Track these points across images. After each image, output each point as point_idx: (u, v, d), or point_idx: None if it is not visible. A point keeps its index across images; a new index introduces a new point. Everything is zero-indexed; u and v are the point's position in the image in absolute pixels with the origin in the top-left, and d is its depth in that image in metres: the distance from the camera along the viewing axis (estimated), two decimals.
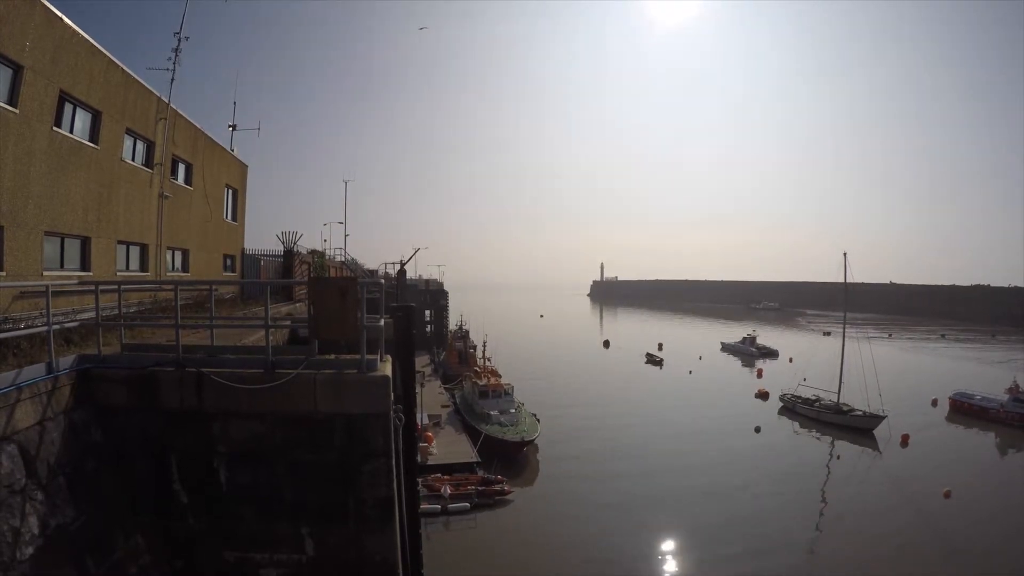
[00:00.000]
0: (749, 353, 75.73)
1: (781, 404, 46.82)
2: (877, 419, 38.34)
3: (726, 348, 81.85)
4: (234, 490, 7.40)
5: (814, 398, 43.92)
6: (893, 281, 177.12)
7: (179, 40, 18.17)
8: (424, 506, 20.72)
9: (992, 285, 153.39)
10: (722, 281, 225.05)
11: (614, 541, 23.77)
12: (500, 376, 42.03)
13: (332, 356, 7.91)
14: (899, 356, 77.32)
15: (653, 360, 70.97)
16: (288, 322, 13.52)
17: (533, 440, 33.62)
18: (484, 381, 39.41)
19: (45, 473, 6.27)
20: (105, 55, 13.65)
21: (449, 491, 26.06)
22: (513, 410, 36.87)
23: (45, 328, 7.06)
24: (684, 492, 29.05)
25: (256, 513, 7.41)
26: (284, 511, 7.39)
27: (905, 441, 36.52)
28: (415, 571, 9.73)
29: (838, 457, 34.50)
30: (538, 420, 36.92)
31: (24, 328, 7.86)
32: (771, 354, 74.71)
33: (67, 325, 8.48)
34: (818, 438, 38.91)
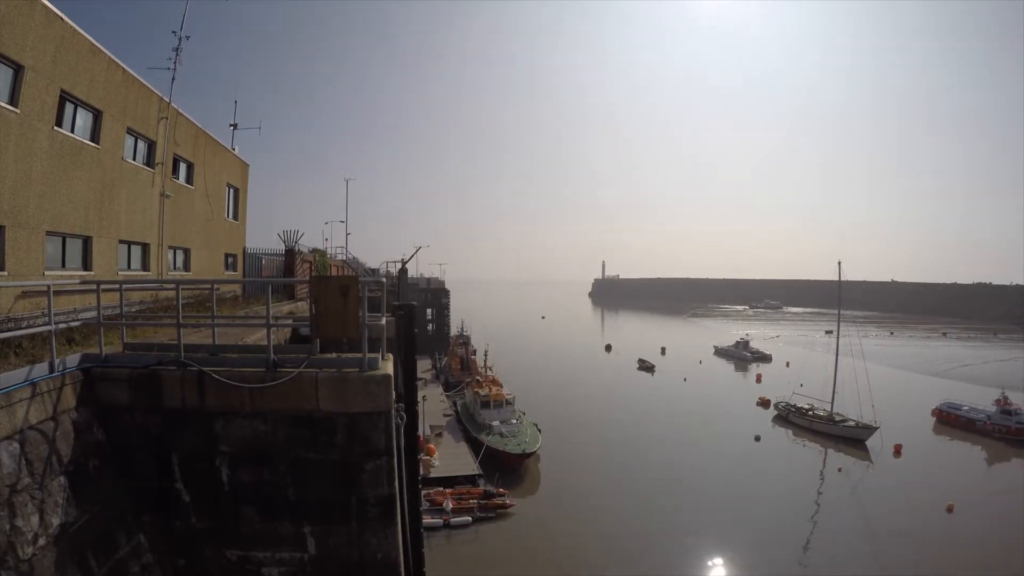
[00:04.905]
0: (742, 357, 75.70)
1: (776, 412, 46.71)
2: (869, 430, 38.25)
3: (720, 352, 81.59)
4: (236, 489, 7.41)
5: (807, 407, 43.71)
6: (895, 279, 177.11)
7: (180, 39, 18.16)
8: (426, 520, 20.68)
9: (993, 283, 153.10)
10: (725, 279, 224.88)
11: (615, 552, 23.80)
12: (501, 385, 42.05)
13: (334, 355, 7.90)
14: (899, 357, 77.23)
15: (645, 366, 70.79)
16: (290, 321, 13.51)
17: (535, 452, 33.60)
18: (486, 391, 39.42)
19: (47, 472, 6.28)
20: (106, 54, 13.64)
21: (451, 505, 26.05)
22: (515, 420, 36.87)
23: (47, 327, 7.06)
24: (685, 503, 29.05)
25: (258, 512, 7.42)
26: (286, 510, 7.40)
27: (898, 451, 36.48)
28: (416, 570, 9.74)
29: (839, 469, 34.36)
30: (540, 430, 36.86)
31: (26, 327, 7.86)
32: (764, 358, 74.62)
33: (69, 324, 8.48)
34: (813, 450, 38.74)
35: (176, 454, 7.42)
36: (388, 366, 7.91)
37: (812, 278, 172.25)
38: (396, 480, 7.63)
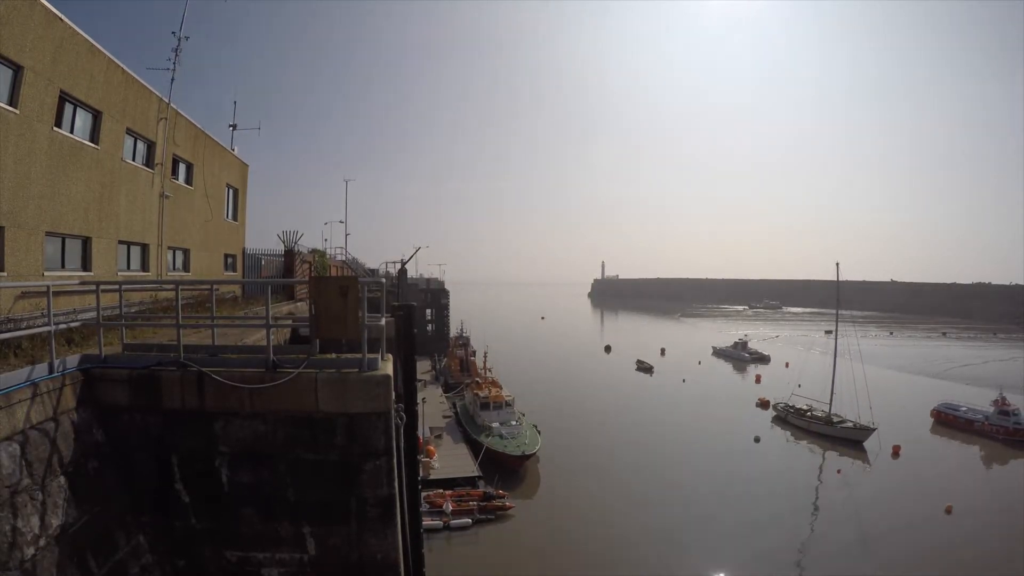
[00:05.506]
0: (741, 358, 75.67)
1: (775, 414, 46.72)
2: (867, 431, 38.20)
3: (718, 353, 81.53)
4: (236, 490, 7.41)
5: (806, 408, 43.68)
6: (894, 279, 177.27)
7: (179, 40, 18.14)
8: (426, 521, 20.68)
9: (993, 283, 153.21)
10: (725, 279, 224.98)
11: (614, 554, 23.80)
12: (501, 387, 42.07)
13: (333, 355, 7.91)
14: (898, 357, 77.24)
15: (643, 367, 70.70)
16: (289, 321, 13.51)
17: (534, 453, 33.59)
18: (485, 392, 39.43)
19: (48, 473, 6.28)
20: (105, 55, 13.63)
21: (451, 507, 26.04)
22: (514, 422, 36.85)
23: (46, 328, 7.06)
24: (684, 505, 29.01)
25: (258, 512, 7.42)
26: (286, 510, 7.40)
27: (896, 452, 36.45)
28: (416, 570, 9.74)
29: (838, 471, 34.31)
30: (539, 432, 36.83)
31: (26, 328, 7.86)
32: (763, 359, 74.59)
33: (69, 325, 8.47)
34: (812, 451, 38.67)
35: (176, 455, 7.42)
36: (388, 367, 7.91)
37: (812, 278, 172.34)
38: (396, 481, 7.62)
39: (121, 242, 15.11)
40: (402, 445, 8.37)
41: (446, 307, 76.45)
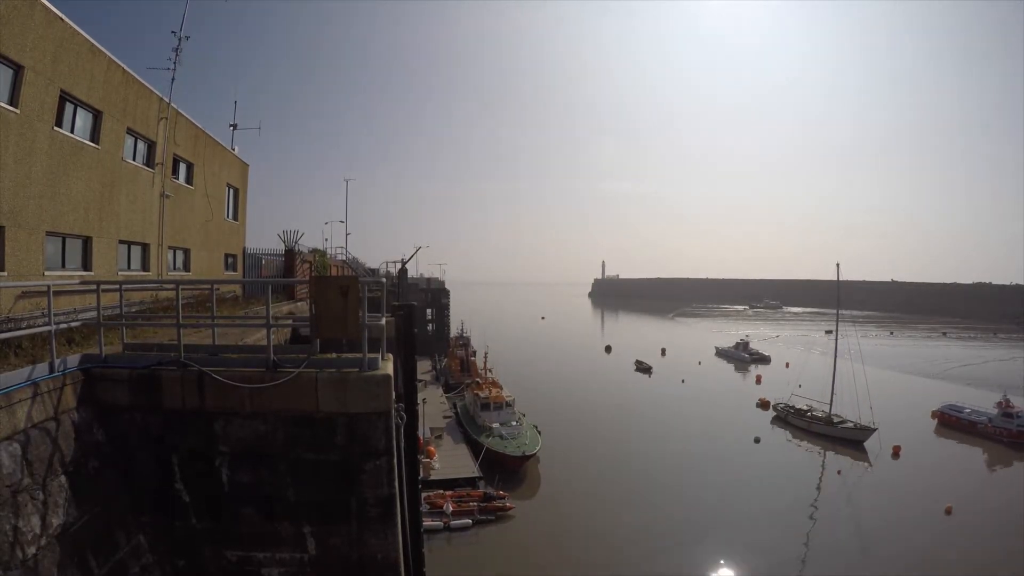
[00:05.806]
0: (742, 359, 75.70)
1: (774, 414, 46.65)
2: (868, 431, 38.12)
3: (720, 354, 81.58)
4: (236, 489, 7.41)
5: (806, 408, 43.60)
6: (894, 279, 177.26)
7: (179, 40, 18.15)
8: (426, 522, 20.67)
9: (993, 283, 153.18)
10: (725, 279, 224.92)
11: (614, 554, 23.80)
12: (501, 387, 42.05)
13: (333, 355, 7.91)
14: (899, 357, 77.21)
15: (642, 367, 70.67)
16: (290, 321, 13.51)
17: (534, 454, 33.58)
18: (485, 393, 39.41)
19: (48, 473, 6.28)
20: (105, 55, 13.64)
21: (451, 508, 26.04)
22: (515, 423, 36.82)
23: (47, 328, 7.06)
24: (684, 505, 28.99)
25: (258, 512, 7.42)
26: (286, 510, 7.40)
27: (897, 453, 36.39)
28: (417, 570, 9.74)
29: (838, 472, 34.25)
30: (539, 432, 36.81)
31: (26, 328, 7.86)
32: (763, 360, 74.58)
33: (69, 325, 8.47)
34: (812, 451, 38.55)
35: (176, 455, 7.42)
36: (388, 366, 7.91)
37: (812, 278, 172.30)
38: (396, 480, 7.63)
39: (121, 242, 15.13)
40: (402, 445, 8.37)
41: (446, 307, 76.47)
